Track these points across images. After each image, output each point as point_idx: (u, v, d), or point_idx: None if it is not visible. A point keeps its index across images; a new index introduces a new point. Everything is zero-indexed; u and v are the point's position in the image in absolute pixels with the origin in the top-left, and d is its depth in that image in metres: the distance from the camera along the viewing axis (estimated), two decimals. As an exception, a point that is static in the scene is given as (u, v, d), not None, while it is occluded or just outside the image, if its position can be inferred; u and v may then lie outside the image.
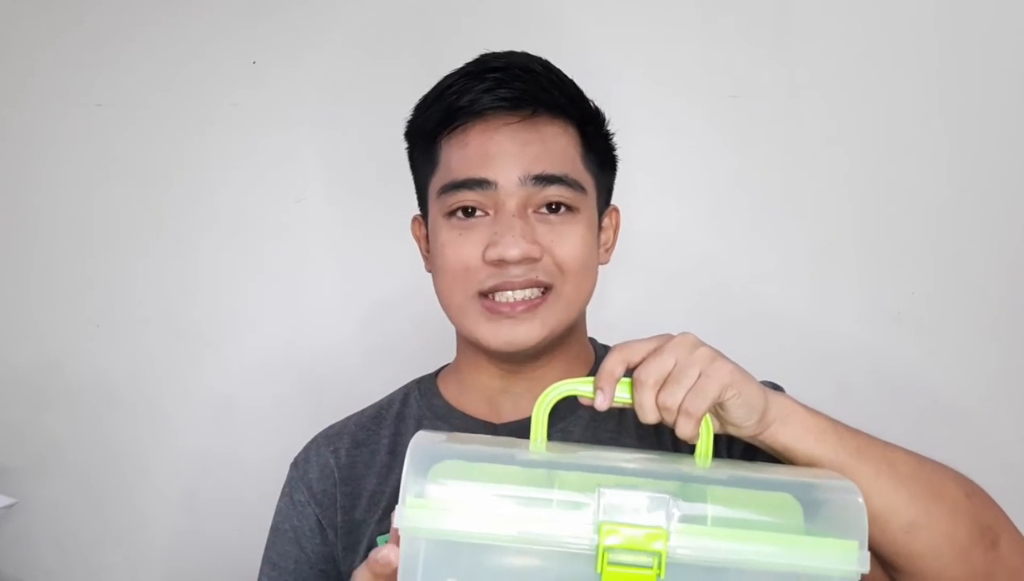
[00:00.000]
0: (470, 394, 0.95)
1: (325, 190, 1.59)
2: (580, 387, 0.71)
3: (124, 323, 1.63)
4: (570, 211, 0.87)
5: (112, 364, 1.63)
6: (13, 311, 1.66)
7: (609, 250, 0.97)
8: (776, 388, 0.89)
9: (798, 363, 1.42)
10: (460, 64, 0.91)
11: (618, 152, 0.97)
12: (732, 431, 0.73)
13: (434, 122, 0.89)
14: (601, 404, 0.70)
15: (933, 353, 1.44)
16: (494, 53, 0.91)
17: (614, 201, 0.98)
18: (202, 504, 1.61)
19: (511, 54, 0.90)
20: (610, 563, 0.59)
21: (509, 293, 0.85)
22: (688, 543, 0.60)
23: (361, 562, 0.90)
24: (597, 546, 0.59)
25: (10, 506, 1.59)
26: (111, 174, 1.64)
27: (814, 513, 0.61)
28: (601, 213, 0.94)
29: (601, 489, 0.61)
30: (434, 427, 0.94)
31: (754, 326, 1.47)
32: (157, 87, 1.62)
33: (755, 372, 0.91)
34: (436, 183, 0.89)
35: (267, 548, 0.97)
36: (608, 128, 0.94)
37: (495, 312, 0.85)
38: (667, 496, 0.60)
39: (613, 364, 0.70)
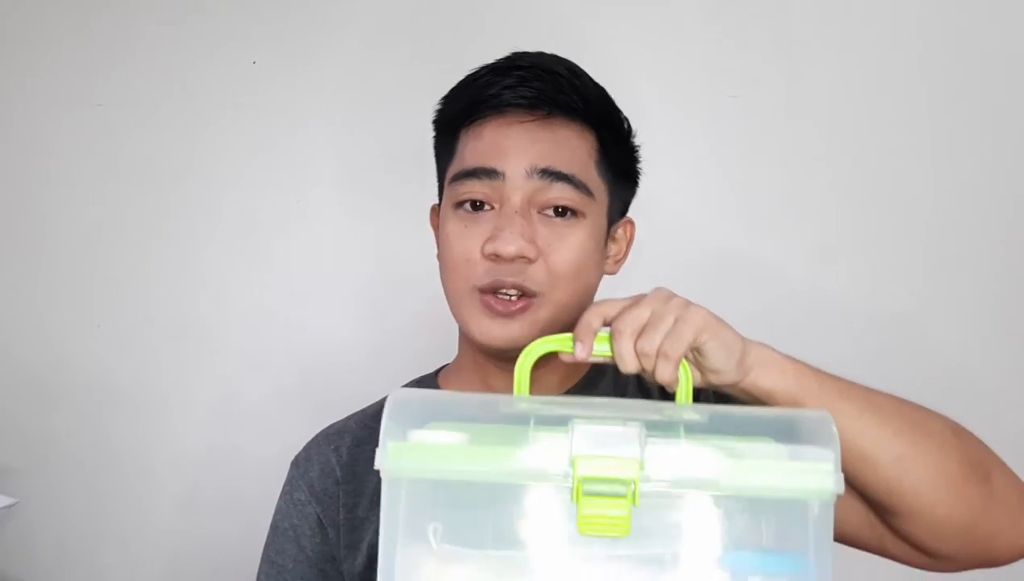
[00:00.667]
0: (470, 391, 0.95)
1: (326, 190, 1.60)
2: (560, 343, 0.72)
3: (126, 322, 1.63)
4: (575, 216, 0.87)
5: (114, 363, 1.63)
6: (15, 310, 1.66)
7: (619, 262, 0.97)
8: None
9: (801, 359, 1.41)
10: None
11: (640, 168, 0.97)
12: (713, 379, 0.74)
13: (455, 112, 0.91)
14: (580, 354, 0.71)
15: (933, 353, 1.44)
16: (525, 52, 0.92)
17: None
18: (203, 503, 1.61)
19: (541, 55, 0.91)
20: (585, 493, 0.60)
21: (503, 293, 0.86)
22: (661, 470, 0.61)
23: (362, 561, 0.90)
24: (572, 477, 0.60)
25: (11, 506, 1.59)
26: (112, 174, 1.64)
27: (787, 441, 0.62)
28: (612, 223, 0.93)
29: (575, 423, 0.62)
30: None
31: (753, 325, 1.47)
32: (158, 87, 1.63)
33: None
34: (450, 172, 0.91)
35: (266, 547, 0.97)
36: (633, 141, 0.95)
37: (491, 309, 0.86)
38: (641, 427, 0.61)
39: (590, 317, 0.72)
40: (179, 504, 1.62)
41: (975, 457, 0.76)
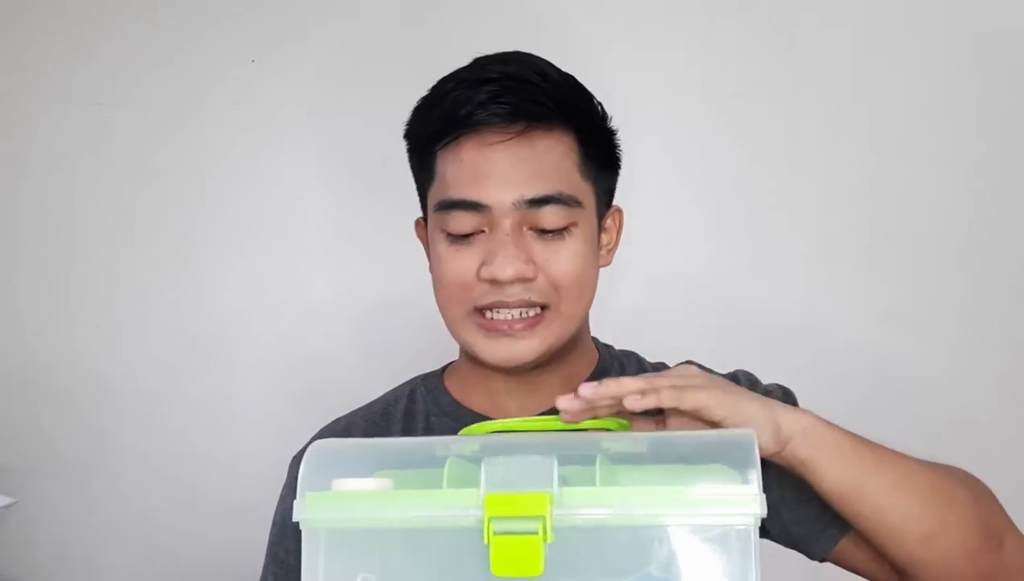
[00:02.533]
0: (474, 391, 0.95)
1: (325, 189, 1.59)
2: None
3: (123, 323, 1.63)
4: (566, 228, 0.87)
5: (112, 363, 1.63)
6: (12, 311, 1.66)
7: (611, 251, 0.96)
8: (785, 392, 0.88)
9: (798, 362, 1.41)
10: (461, 63, 0.91)
11: (620, 152, 0.96)
12: None
13: (430, 132, 0.89)
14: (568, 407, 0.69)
15: (933, 354, 1.44)
16: (490, 57, 0.89)
17: (617, 201, 0.97)
18: (200, 504, 1.61)
19: (508, 61, 0.88)
20: (496, 533, 0.58)
21: (505, 311, 0.84)
22: (574, 505, 0.59)
23: None
24: (483, 518, 0.59)
25: (9, 506, 1.59)
26: (110, 173, 1.64)
27: (709, 462, 0.61)
28: (601, 217, 0.93)
29: (486, 460, 0.61)
30: (441, 423, 0.94)
31: (754, 324, 1.47)
32: (156, 86, 1.62)
33: (756, 371, 0.91)
34: (433, 196, 0.89)
35: (273, 545, 0.95)
36: (610, 126, 0.93)
37: (492, 330, 0.85)
38: (552, 461, 0.60)
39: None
40: (177, 504, 1.62)
41: (992, 525, 0.77)
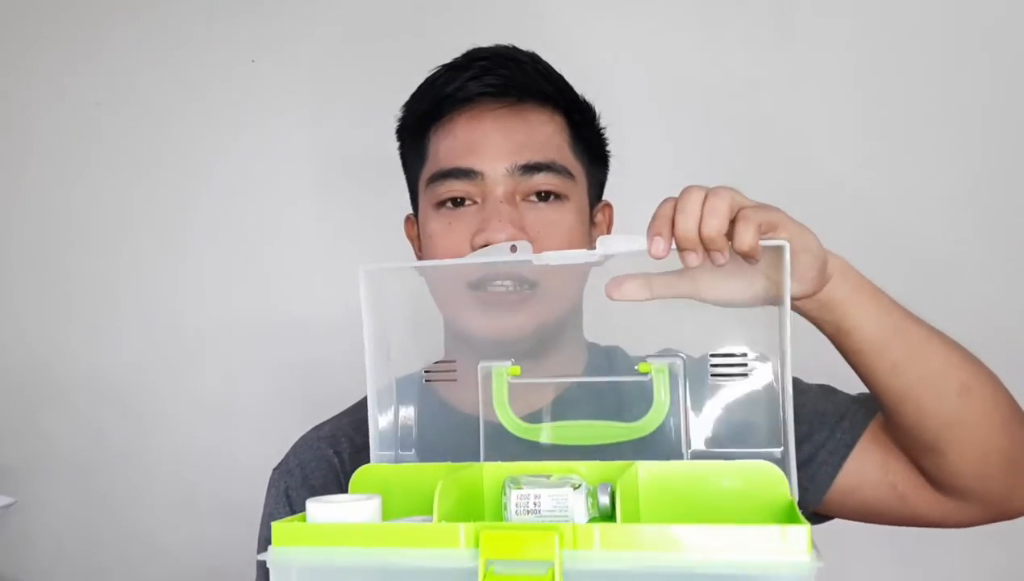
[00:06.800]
0: (463, 391, 0.93)
1: (324, 189, 1.59)
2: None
3: (122, 322, 1.63)
4: (559, 199, 0.86)
5: (110, 364, 1.63)
6: (10, 311, 1.66)
7: None
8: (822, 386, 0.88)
9: (798, 360, 1.41)
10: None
11: (616, 151, 0.96)
12: (794, 289, 0.69)
13: (421, 114, 0.89)
14: (659, 251, 0.66)
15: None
16: (480, 47, 0.90)
17: (611, 199, 0.97)
18: (201, 503, 1.61)
19: (498, 46, 0.90)
20: (496, 573, 0.50)
21: (498, 283, 0.83)
22: (586, 548, 0.50)
23: None
24: (477, 558, 0.51)
25: (8, 506, 1.59)
26: (109, 173, 1.64)
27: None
28: (592, 206, 0.93)
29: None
30: (433, 424, 0.93)
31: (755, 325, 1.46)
32: (156, 86, 1.62)
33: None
34: (425, 174, 0.89)
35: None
36: (599, 123, 0.94)
37: (486, 303, 0.83)
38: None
39: (665, 209, 0.67)
40: (176, 504, 1.61)
41: (1012, 399, 0.76)
